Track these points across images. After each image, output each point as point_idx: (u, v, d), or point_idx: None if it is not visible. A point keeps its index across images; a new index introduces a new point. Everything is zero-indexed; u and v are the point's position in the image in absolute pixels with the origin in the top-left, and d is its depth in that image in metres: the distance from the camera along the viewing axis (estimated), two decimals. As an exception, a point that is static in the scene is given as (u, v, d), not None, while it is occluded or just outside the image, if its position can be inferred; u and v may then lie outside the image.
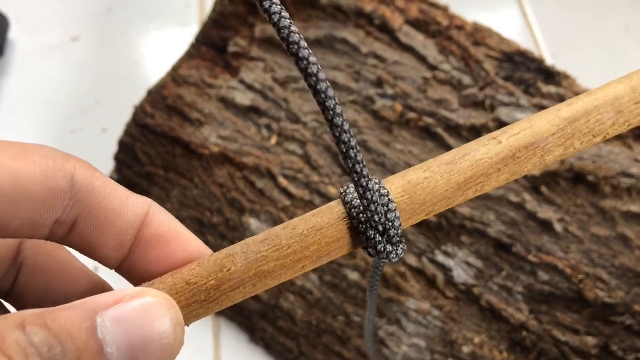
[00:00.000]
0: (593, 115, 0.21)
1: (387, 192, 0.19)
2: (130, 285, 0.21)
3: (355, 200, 0.19)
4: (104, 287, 0.23)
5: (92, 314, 0.17)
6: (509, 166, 0.20)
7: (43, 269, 0.22)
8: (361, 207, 0.19)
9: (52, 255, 0.22)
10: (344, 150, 0.18)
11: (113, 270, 0.21)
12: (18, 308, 0.22)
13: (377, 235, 0.19)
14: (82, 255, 0.21)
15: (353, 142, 0.18)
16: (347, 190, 0.20)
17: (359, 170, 0.18)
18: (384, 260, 0.20)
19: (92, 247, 0.20)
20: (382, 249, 0.20)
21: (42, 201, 0.18)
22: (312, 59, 0.17)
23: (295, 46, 0.17)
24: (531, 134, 0.20)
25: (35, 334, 0.16)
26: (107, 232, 0.20)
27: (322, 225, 0.20)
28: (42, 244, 0.22)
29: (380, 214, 0.19)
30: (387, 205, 0.19)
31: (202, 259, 0.20)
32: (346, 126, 0.17)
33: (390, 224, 0.19)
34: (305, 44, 0.17)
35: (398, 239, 0.20)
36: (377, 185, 0.19)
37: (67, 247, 0.21)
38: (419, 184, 0.20)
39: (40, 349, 0.16)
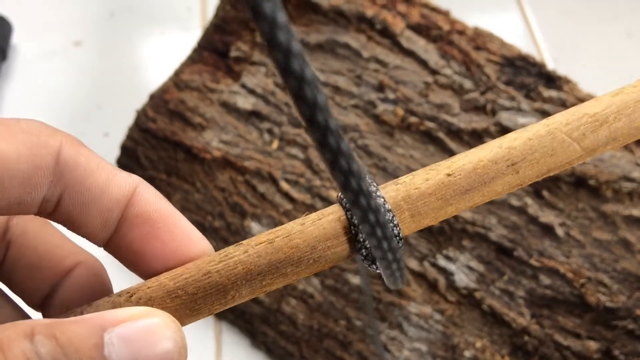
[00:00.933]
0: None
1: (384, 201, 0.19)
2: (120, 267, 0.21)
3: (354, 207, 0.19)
4: (93, 264, 0.22)
5: (100, 330, 0.17)
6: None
7: (32, 245, 0.22)
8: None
9: (41, 231, 0.22)
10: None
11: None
12: (7, 285, 0.22)
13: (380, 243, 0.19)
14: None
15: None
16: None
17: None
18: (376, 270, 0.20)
19: (78, 224, 0.20)
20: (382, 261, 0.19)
21: (29, 180, 0.18)
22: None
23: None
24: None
25: (43, 345, 0.16)
26: (91, 210, 0.19)
27: (320, 236, 0.19)
28: (31, 220, 0.22)
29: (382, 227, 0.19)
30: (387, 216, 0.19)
31: (194, 263, 0.19)
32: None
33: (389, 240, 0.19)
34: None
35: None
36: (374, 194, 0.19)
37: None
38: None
39: None
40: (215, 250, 0.20)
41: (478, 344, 0.45)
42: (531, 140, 0.20)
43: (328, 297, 0.47)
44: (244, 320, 0.51)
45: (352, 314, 0.47)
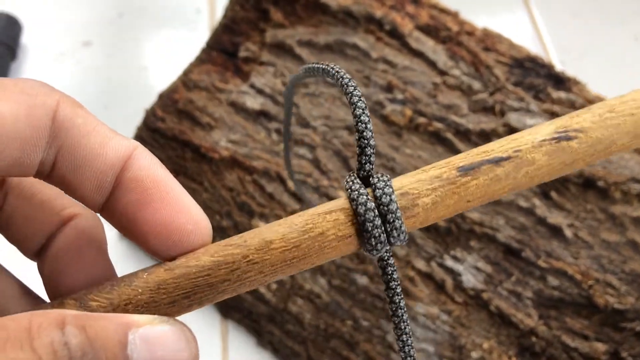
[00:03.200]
0: None
1: (392, 191, 0.20)
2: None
3: (362, 197, 0.19)
4: (90, 218, 0.22)
5: (126, 328, 0.17)
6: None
7: (29, 195, 0.22)
8: (369, 206, 0.19)
9: (39, 182, 0.22)
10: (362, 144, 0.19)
11: None
12: (4, 234, 0.22)
13: (381, 234, 0.19)
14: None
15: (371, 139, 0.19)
16: (353, 187, 0.20)
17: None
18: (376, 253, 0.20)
19: (72, 186, 0.20)
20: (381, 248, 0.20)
21: (27, 140, 0.18)
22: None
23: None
24: None
25: (74, 336, 0.16)
26: (85, 172, 0.19)
27: (325, 227, 0.19)
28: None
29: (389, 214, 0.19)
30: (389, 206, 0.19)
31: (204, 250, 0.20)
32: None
33: (392, 224, 0.19)
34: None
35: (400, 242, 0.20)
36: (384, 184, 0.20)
37: None
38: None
39: (74, 352, 0.16)
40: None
41: (485, 345, 0.45)
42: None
43: (335, 297, 0.47)
44: (251, 319, 0.51)
45: (359, 314, 0.47)
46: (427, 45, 0.53)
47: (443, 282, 0.46)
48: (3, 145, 0.18)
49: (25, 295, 0.22)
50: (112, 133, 0.20)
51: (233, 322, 0.53)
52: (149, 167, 0.20)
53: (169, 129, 0.52)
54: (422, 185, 0.20)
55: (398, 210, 0.19)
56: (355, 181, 0.20)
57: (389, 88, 0.52)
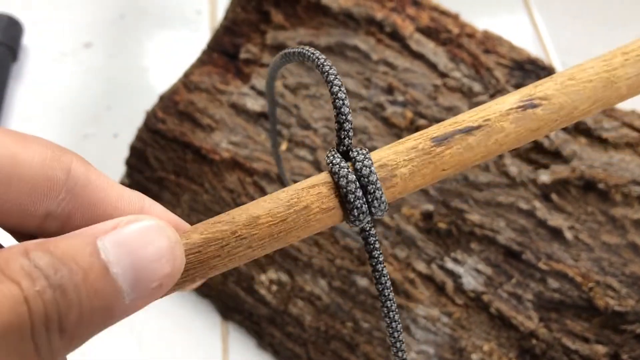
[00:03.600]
0: None
1: (371, 163, 0.21)
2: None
3: (342, 170, 0.20)
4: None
5: (93, 239, 0.17)
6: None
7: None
8: (350, 178, 0.20)
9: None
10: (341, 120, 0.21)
11: None
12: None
13: (363, 205, 0.20)
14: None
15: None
16: (334, 161, 0.21)
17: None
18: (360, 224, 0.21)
19: None
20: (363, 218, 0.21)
21: (37, 188, 0.18)
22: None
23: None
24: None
25: (40, 259, 0.16)
26: None
27: (309, 200, 0.20)
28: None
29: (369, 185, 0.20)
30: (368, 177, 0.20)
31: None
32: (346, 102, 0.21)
33: (373, 195, 0.20)
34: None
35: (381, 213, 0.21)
36: (363, 156, 0.21)
37: None
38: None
39: (46, 271, 0.16)
40: None
41: (485, 347, 0.45)
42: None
43: (335, 298, 0.47)
44: (251, 321, 0.51)
45: (359, 316, 0.47)
46: (428, 47, 0.53)
47: (443, 284, 0.46)
48: (12, 187, 0.18)
49: None
50: (122, 187, 0.21)
51: (234, 323, 0.53)
52: (167, 215, 0.21)
53: (170, 131, 0.52)
54: (399, 156, 0.21)
55: (378, 181, 0.20)
56: (335, 155, 0.21)
57: (389, 90, 0.52)
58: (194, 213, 0.51)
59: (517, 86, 0.51)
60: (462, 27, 0.54)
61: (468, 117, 0.22)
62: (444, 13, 0.55)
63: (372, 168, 0.20)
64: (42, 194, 0.19)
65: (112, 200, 0.20)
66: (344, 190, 0.20)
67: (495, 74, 0.51)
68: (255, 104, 0.53)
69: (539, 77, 0.51)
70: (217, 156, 0.51)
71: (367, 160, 0.20)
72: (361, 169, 0.20)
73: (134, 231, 0.18)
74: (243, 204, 0.51)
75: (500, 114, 0.21)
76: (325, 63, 0.21)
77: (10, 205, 0.18)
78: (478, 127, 0.21)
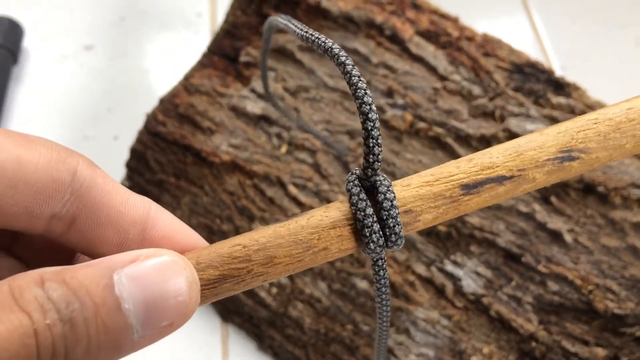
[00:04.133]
0: None
1: (394, 196, 0.20)
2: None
3: (361, 203, 0.20)
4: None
5: (110, 271, 0.17)
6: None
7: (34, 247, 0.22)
8: (368, 211, 0.20)
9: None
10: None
11: None
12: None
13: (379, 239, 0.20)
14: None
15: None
16: (353, 190, 0.20)
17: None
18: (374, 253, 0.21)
19: (93, 244, 0.20)
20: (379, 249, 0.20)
21: (43, 191, 0.18)
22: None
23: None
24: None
25: (53, 290, 0.16)
26: (109, 230, 0.20)
27: (325, 226, 0.20)
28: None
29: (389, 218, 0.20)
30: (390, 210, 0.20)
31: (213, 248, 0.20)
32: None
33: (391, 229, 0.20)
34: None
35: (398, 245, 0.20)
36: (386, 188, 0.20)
37: None
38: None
39: (58, 304, 0.16)
40: None
41: (485, 350, 0.45)
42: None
43: (335, 301, 0.47)
44: (251, 323, 0.51)
45: (359, 319, 0.47)
46: (428, 50, 0.53)
47: (443, 286, 0.46)
48: (18, 190, 0.18)
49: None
50: (128, 191, 0.20)
51: (233, 326, 0.53)
52: (174, 223, 0.21)
53: (170, 133, 0.53)
54: (425, 203, 0.20)
55: (398, 216, 0.20)
56: (355, 183, 0.20)
57: (389, 93, 0.52)
58: (194, 215, 0.51)
59: (517, 89, 0.51)
60: (461, 30, 0.54)
61: (502, 162, 0.20)
62: (443, 16, 0.55)
63: (394, 202, 0.20)
64: (47, 196, 0.18)
65: (116, 204, 0.20)
66: (361, 224, 0.20)
67: (495, 77, 0.51)
68: (256, 106, 0.53)
69: (538, 81, 0.51)
70: (217, 159, 0.51)
71: (389, 193, 0.20)
72: (383, 201, 0.20)
73: (152, 266, 0.18)
74: (243, 206, 0.51)
75: (536, 165, 0.20)
76: (361, 85, 0.19)
77: (17, 208, 0.18)
78: (511, 178, 0.20)
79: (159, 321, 0.17)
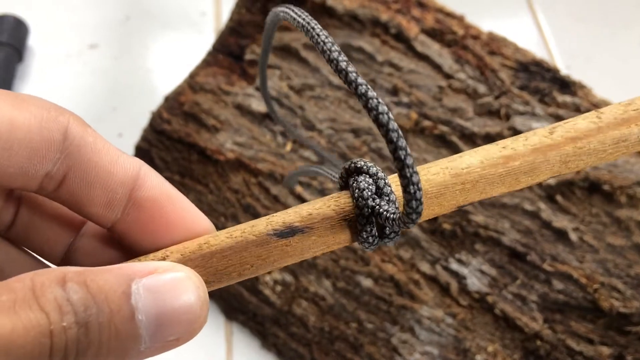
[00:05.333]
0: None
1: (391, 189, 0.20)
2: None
3: (365, 191, 0.20)
4: (97, 233, 0.23)
5: (128, 280, 0.17)
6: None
7: (40, 205, 0.22)
8: (373, 201, 0.20)
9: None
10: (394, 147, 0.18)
11: None
12: (22, 243, 0.22)
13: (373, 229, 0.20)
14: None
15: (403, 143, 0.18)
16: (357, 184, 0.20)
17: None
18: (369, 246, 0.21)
19: (81, 203, 0.20)
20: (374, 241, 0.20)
21: (36, 151, 0.18)
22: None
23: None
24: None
25: (75, 292, 0.16)
26: (96, 189, 0.20)
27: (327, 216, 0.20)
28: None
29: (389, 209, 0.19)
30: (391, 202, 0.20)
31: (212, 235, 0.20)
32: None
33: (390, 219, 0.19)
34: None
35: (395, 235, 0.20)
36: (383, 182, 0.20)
37: None
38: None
39: (77, 307, 0.16)
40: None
41: (490, 349, 0.45)
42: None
43: (339, 299, 0.47)
44: (255, 321, 0.51)
45: (364, 317, 0.47)
46: (433, 48, 0.53)
47: (448, 285, 0.46)
48: (13, 151, 0.18)
49: (23, 256, 0.23)
50: (119, 151, 0.20)
51: (237, 324, 0.53)
52: (162, 186, 0.21)
53: (175, 131, 0.53)
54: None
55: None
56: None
57: (394, 91, 0.52)
58: (198, 213, 0.51)
59: (522, 88, 0.51)
60: (467, 29, 0.54)
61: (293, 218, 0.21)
62: (449, 15, 0.55)
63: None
64: (41, 157, 0.19)
65: (105, 163, 0.20)
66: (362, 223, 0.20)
67: (500, 75, 0.51)
68: (260, 104, 0.53)
69: (544, 79, 0.51)
70: (222, 157, 0.51)
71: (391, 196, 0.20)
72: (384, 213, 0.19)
73: (169, 280, 0.18)
74: (248, 204, 0.51)
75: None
76: (380, 104, 0.17)
77: (12, 169, 0.18)
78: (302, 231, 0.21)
79: (167, 335, 0.18)
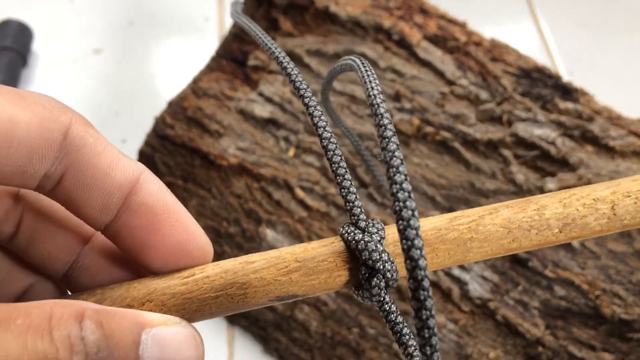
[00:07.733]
0: None
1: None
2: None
3: (354, 242, 0.20)
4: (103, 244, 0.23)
5: (140, 328, 0.18)
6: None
7: (44, 216, 0.22)
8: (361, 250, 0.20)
9: (50, 203, 0.22)
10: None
11: None
12: (23, 255, 0.22)
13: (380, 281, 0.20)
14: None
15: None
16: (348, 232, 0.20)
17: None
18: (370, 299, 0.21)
19: (77, 204, 0.20)
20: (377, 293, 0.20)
21: (36, 150, 0.18)
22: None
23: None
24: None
25: (92, 332, 0.17)
26: (92, 191, 0.20)
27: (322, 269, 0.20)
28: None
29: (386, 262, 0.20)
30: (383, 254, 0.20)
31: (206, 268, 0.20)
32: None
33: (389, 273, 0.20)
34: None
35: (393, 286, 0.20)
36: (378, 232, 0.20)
37: None
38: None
39: (90, 347, 0.16)
40: (222, 253, 0.21)
41: (492, 355, 0.45)
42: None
43: (341, 304, 0.47)
44: (257, 326, 0.51)
45: (366, 322, 0.47)
46: (435, 55, 0.53)
47: (449, 291, 0.46)
48: (12, 149, 0.18)
49: (21, 269, 0.22)
50: (120, 155, 0.20)
51: (240, 329, 0.53)
52: (158, 193, 0.20)
53: (178, 136, 0.53)
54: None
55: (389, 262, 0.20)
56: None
57: (397, 97, 0.52)
58: (201, 218, 0.52)
59: (524, 94, 0.51)
60: (469, 35, 0.54)
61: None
62: (451, 21, 0.56)
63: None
64: (40, 156, 0.18)
65: (103, 166, 0.19)
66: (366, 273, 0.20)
67: (503, 81, 0.52)
68: (263, 110, 0.53)
69: (546, 85, 0.52)
70: (224, 162, 0.51)
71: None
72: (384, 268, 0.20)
73: (175, 334, 0.19)
74: (250, 209, 0.51)
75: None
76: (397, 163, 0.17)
77: (11, 168, 0.18)
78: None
79: None
